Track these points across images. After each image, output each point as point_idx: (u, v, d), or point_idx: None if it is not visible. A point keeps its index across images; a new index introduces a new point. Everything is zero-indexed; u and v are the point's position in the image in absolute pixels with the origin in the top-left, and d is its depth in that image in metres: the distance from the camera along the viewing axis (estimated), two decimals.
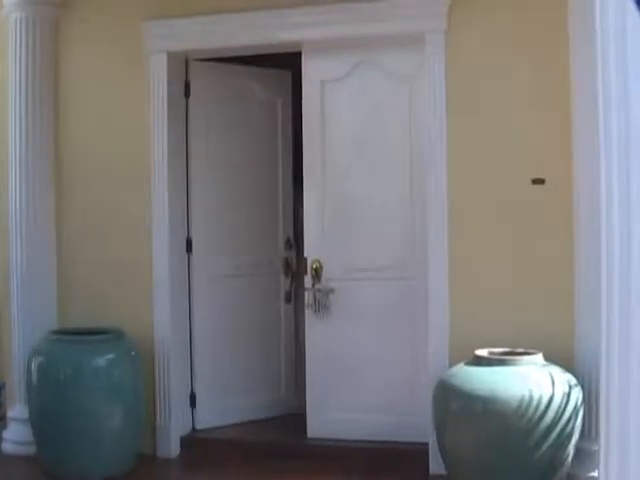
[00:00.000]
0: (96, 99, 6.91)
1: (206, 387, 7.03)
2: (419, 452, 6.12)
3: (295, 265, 7.49)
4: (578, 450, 5.41)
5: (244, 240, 7.25)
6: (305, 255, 6.63)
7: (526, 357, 5.46)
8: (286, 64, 7.23)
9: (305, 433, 6.68)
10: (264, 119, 7.46)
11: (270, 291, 7.47)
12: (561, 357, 5.59)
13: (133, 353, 6.40)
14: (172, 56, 6.72)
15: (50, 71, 6.91)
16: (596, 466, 5.39)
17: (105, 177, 6.87)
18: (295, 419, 7.14)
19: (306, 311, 6.61)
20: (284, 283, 7.52)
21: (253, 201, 7.35)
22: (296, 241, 7.51)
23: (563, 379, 5.32)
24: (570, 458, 5.33)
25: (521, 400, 5.14)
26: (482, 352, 5.53)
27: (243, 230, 7.24)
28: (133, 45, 6.74)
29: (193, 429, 6.97)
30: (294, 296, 7.50)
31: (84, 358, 6.23)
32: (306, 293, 6.59)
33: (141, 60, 6.73)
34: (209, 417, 7.03)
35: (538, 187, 5.90)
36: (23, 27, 6.76)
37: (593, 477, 5.46)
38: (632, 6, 3.07)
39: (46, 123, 6.89)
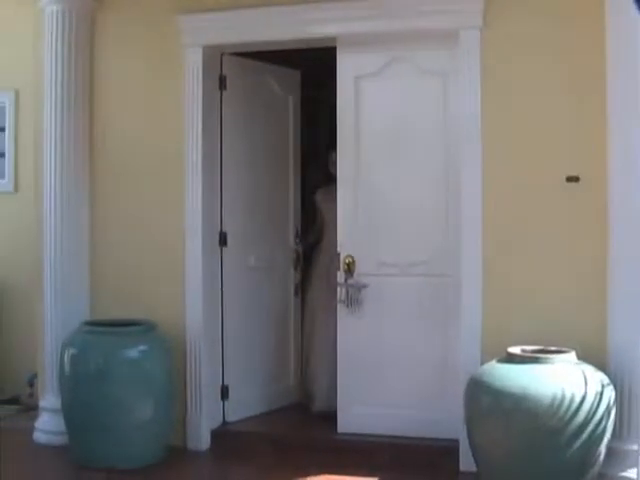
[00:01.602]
0: (131, 92, 6.95)
1: (236, 380, 7.05)
2: (450, 449, 6.11)
3: (302, 258, 7.67)
4: (610, 449, 5.37)
5: (265, 234, 7.32)
6: (338, 250, 6.63)
7: (559, 355, 5.43)
8: (295, 63, 7.50)
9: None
10: (280, 116, 7.58)
11: (286, 283, 7.62)
12: (594, 356, 5.56)
13: (165, 345, 6.43)
14: (207, 50, 6.74)
15: (85, 64, 6.95)
16: (628, 466, 5.42)
17: (139, 170, 6.91)
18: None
19: (338, 306, 6.61)
20: (294, 276, 7.65)
21: (271, 195, 7.45)
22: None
23: (596, 378, 5.29)
24: (602, 457, 5.29)
25: (553, 398, 5.11)
26: (515, 350, 5.50)
27: (264, 224, 7.31)
28: (168, 39, 6.77)
29: (223, 422, 6.99)
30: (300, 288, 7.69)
31: (116, 350, 6.27)
32: (339, 288, 6.59)
33: (176, 54, 6.75)
34: (238, 409, 7.06)
35: (572, 184, 5.87)
36: (59, 20, 6.81)
37: (625, 477, 5.46)
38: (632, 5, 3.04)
39: (81, 116, 6.93)
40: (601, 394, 5.22)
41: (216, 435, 6.79)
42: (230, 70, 7.01)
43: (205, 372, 6.73)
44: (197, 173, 6.71)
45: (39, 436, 6.92)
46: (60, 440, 6.59)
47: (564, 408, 5.10)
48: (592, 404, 5.15)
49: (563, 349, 5.53)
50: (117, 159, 6.97)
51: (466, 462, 5.91)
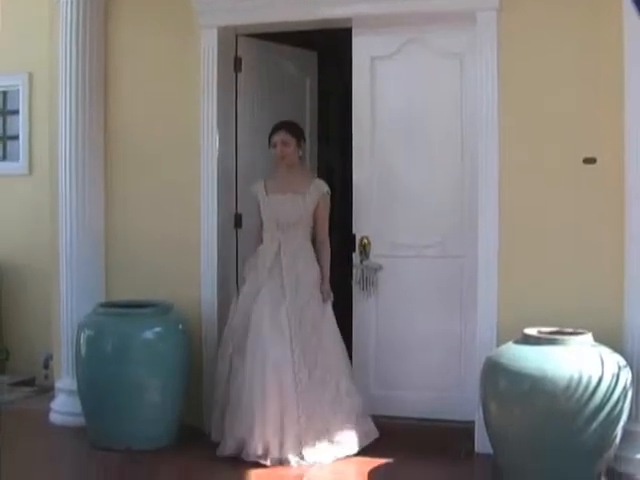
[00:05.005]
0: (146, 75, 6.93)
1: None
2: (465, 430, 6.12)
3: None
4: (626, 432, 5.35)
5: None
6: (353, 232, 6.63)
7: (575, 337, 5.41)
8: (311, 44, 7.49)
9: None
10: (297, 97, 7.56)
11: None
12: (610, 337, 5.54)
13: (180, 327, 6.43)
14: (222, 31, 6.71)
15: (100, 46, 6.91)
16: None
17: (154, 152, 6.88)
18: None
19: (353, 288, 6.62)
20: None
21: None
22: None
23: (612, 360, 5.27)
24: (618, 439, 5.28)
25: (570, 380, 5.09)
26: (531, 331, 5.48)
27: None
28: (183, 20, 6.74)
29: None
30: None
31: (132, 331, 6.27)
32: (354, 270, 6.59)
33: (191, 35, 6.72)
34: None
35: (590, 166, 5.85)
36: (73, 7, 6.75)
37: None
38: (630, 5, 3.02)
39: (96, 101, 6.90)
40: (618, 376, 5.19)
41: None
42: (245, 52, 6.98)
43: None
44: (212, 155, 6.69)
45: (55, 417, 6.93)
46: (76, 421, 6.59)
47: (581, 390, 5.08)
48: (609, 386, 5.13)
49: (579, 330, 5.50)
50: (132, 141, 6.96)
51: (481, 444, 5.92)
